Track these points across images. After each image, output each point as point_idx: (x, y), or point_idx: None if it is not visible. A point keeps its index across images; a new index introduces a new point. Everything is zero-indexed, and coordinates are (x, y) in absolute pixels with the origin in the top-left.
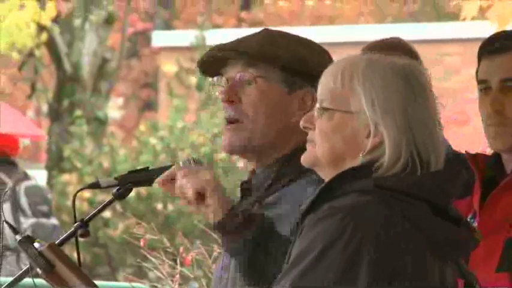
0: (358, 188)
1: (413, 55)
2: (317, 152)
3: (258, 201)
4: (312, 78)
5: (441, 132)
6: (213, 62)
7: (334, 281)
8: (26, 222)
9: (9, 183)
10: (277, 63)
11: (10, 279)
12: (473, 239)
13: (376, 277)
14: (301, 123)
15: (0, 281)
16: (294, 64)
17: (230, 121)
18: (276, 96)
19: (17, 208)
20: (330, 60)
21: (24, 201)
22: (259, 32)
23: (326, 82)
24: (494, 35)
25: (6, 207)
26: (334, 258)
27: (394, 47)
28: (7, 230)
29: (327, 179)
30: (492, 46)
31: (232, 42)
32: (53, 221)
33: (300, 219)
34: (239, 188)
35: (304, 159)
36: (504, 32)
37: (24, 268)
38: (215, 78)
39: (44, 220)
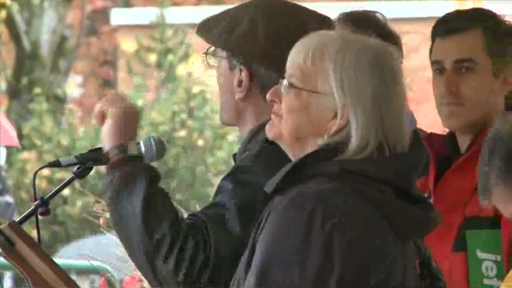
0: (325, 171)
1: (389, 33)
2: (282, 127)
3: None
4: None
5: (408, 115)
6: None
7: (312, 271)
8: None
9: None
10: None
11: None
12: (433, 220)
13: (349, 264)
14: (268, 96)
15: None
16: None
17: None
18: (223, 72)
19: None
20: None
21: None
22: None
23: (296, 57)
24: (447, 14)
25: None
26: (309, 249)
27: (368, 21)
28: None
29: (288, 153)
30: (445, 26)
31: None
32: (7, 198)
33: (265, 198)
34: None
35: (269, 132)
36: (457, 11)
37: None
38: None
39: None
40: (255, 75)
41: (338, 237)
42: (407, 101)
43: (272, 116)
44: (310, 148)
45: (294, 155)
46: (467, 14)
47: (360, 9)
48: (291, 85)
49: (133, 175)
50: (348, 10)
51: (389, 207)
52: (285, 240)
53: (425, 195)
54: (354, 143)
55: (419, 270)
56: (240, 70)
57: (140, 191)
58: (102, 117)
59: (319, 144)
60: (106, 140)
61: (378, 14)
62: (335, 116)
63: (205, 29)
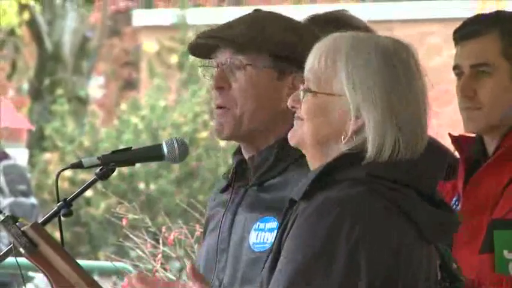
0: (351, 176)
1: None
2: (303, 130)
3: (257, 183)
4: (301, 62)
5: (428, 111)
6: (203, 47)
7: (338, 277)
8: (4, 201)
9: None
10: (266, 51)
11: None
12: (456, 221)
13: (376, 270)
14: (289, 103)
15: None
16: (283, 50)
17: (219, 108)
18: (265, 82)
19: None
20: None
21: (2, 180)
22: (248, 15)
23: (311, 62)
24: (467, 19)
25: None
26: (335, 254)
27: (341, 21)
28: None
29: (310, 160)
30: (463, 31)
31: (221, 28)
32: (32, 200)
33: (289, 206)
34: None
35: (291, 137)
36: (477, 16)
37: (7, 248)
38: (206, 61)
39: (22, 199)
40: None
41: (365, 242)
42: (426, 98)
43: (294, 122)
44: (331, 152)
45: (315, 160)
46: (486, 18)
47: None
48: (307, 89)
49: None
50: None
51: (415, 210)
52: (310, 245)
53: (455, 198)
54: (370, 144)
55: (439, 272)
56: (294, 77)
57: None
58: None
59: (340, 148)
60: None
61: (344, 11)
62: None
63: (244, 38)
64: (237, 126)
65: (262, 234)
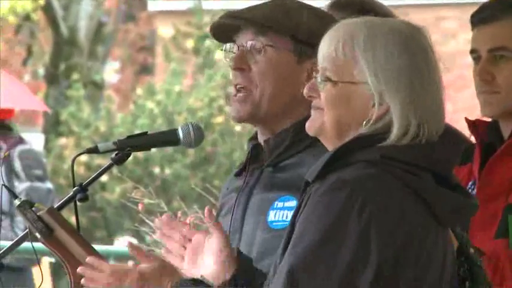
0: (365, 158)
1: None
2: (324, 120)
3: (273, 164)
4: None
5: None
6: (224, 29)
7: (347, 256)
8: (20, 186)
9: (4, 147)
10: (288, 33)
11: (5, 243)
12: (473, 205)
13: (386, 251)
14: (305, 92)
15: None
16: (305, 34)
17: (238, 89)
18: (285, 66)
19: (11, 172)
20: None
21: (18, 165)
22: (273, 0)
23: (326, 50)
24: (484, 3)
25: (1, 171)
26: (345, 234)
27: (366, 5)
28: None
29: (329, 146)
30: (480, 15)
31: (244, 9)
32: (48, 185)
33: (304, 186)
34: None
35: (310, 127)
36: (494, 0)
37: (23, 232)
38: (227, 45)
39: (38, 184)
40: None
41: (375, 223)
42: (442, 81)
43: (312, 111)
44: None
45: (335, 146)
46: (504, 2)
47: None
48: (327, 79)
49: None
50: None
51: (430, 193)
52: (321, 225)
53: (471, 182)
54: (395, 128)
55: (456, 256)
56: (314, 62)
57: None
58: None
59: (360, 133)
60: None
61: None
62: (374, 104)
63: (266, 19)
64: (256, 108)
65: (281, 212)
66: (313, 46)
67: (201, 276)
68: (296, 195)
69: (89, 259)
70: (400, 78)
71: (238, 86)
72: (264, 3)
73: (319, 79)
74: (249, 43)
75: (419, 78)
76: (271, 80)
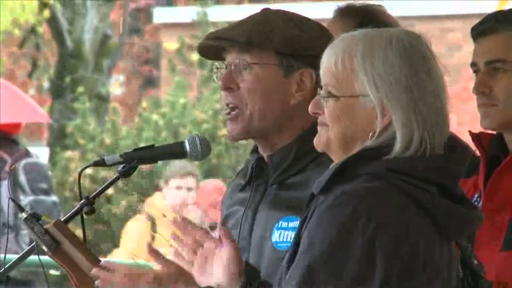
0: (370, 171)
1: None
2: (329, 135)
3: (278, 182)
4: (308, 58)
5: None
6: (211, 49)
7: (353, 269)
8: (25, 200)
9: (9, 160)
10: (271, 48)
11: (10, 256)
12: (478, 217)
13: (392, 264)
14: (310, 109)
15: (0, 258)
16: (289, 47)
17: (229, 108)
18: (272, 81)
19: (15, 185)
20: (325, 34)
21: (23, 179)
22: (255, 14)
23: (327, 65)
24: (485, 17)
25: (6, 184)
26: (351, 247)
27: (374, 15)
28: (5, 208)
29: (336, 160)
30: (480, 28)
31: (227, 28)
32: (53, 198)
33: (310, 198)
34: (239, 166)
35: (317, 143)
36: (494, 13)
37: (29, 246)
38: (217, 63)
39: (43, 197)
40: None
41: (381, 236)
42: (446, 89)
43: (318, 127)
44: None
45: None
46: (503, 15)
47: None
48: (329, 94)
49: None
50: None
51: (434, 206)
52: (326, 238)
53: (476, 195)
54: (398, 142)
55: (460, 269)
56: (302, 73)
57: None
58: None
59: (367, 145)
60: None
61: (380, 7)
62: (377, 116)
63: (246, 37)
64: (248, 126)
65: (285, 233)
66: (297, 56)
67: (217, 285)
68: (300, 216)
69: (95, 270)
70: (400, 88)
71: (229, 105)
72: (247, 19)
73: (321, 95)
74: (234, 62)
75: (419, 86)
76: (259, 96)
